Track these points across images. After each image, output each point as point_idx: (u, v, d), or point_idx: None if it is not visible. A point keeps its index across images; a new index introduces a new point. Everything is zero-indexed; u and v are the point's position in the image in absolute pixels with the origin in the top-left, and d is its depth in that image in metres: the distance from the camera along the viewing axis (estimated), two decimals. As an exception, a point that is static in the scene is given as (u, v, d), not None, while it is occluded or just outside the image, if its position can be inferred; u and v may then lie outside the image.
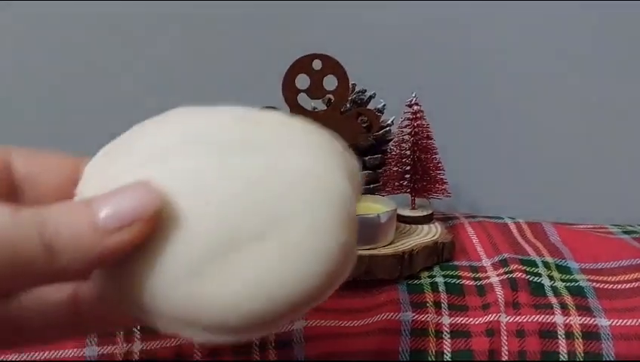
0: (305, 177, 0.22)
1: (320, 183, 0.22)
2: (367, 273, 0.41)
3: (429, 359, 0.38)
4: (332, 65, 0.45)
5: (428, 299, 0.41)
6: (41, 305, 0.24)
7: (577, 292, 0.41)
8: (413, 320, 0.39)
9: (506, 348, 0.38)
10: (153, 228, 0.20)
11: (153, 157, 0.22)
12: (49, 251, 0.19)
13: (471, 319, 0.40)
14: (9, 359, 0.36)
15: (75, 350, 0.37)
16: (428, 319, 0.39)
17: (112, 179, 0.21)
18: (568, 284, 0.42)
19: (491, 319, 0.39)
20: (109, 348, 0.37)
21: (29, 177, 0.25)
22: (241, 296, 0.21)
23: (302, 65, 0.45)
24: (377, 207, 0.45)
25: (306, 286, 0.21)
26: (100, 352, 0.37)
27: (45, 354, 0.37)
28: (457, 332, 0.39)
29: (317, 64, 0.45)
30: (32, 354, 0.37)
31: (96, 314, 0.24)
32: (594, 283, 0.42)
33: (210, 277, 0.20)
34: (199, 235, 0.20)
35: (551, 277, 0.43)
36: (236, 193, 0.21)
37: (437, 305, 0.40)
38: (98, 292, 0.23)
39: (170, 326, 0.22)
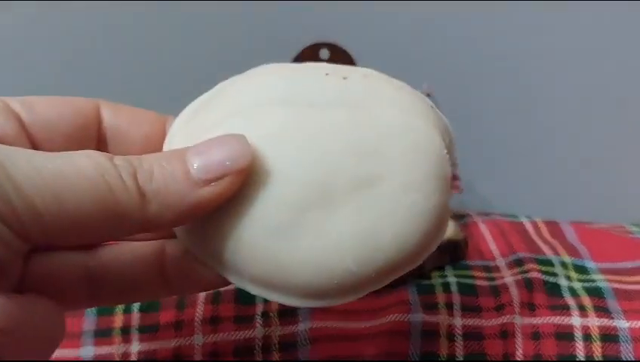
0: (401, 133, 0.21)
1: (417, 139, 0.21)
2: (375, 272, 0.39)
3: (441, 362, 0.37)
4: (340, 54, 0.44)
5: (439, 300, 0.39)
6: (123, 261, 0.23)
7: (595, 292, 0.40)
8: (423, 322, 0.38)
9: (520, 351, 0.37)
10: (244, 181, 0.20)
11: (242, 111, 0.21)
12: (141, 196, 0.19)
13: (484, 321, 0.38)
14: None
15: (71, 350, 0.36)
16: (439, 321, 0.38)
17: (201, 132, 0.21)
18: (586, 285, 0.40)
19: (505, 321, 0.38)
20: (106, 348, 0.36)
21: (116, 130, 0.25)
22: (332, 254, 0.20)
23: (309, 54, 0.44)
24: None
25: (402, 245, 0.20)
26: (96, 353, 0.36)
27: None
28: (470, 335, 0.37)
29: (324, 53, 0.44)
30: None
31: (182, 273, 0.23)
32: (612, 284, 0.40)
33: (297, 235, 0.20)
34: (288, 190, 0.20)
35: (568, 278, 0.41)
36: (329, 148, 0.20)
37: (449, 306, 0.39)
38: (182, 247, 0.22)
39: (253, 287, 0.21)
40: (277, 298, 0.21)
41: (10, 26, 0.58)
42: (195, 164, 0.19)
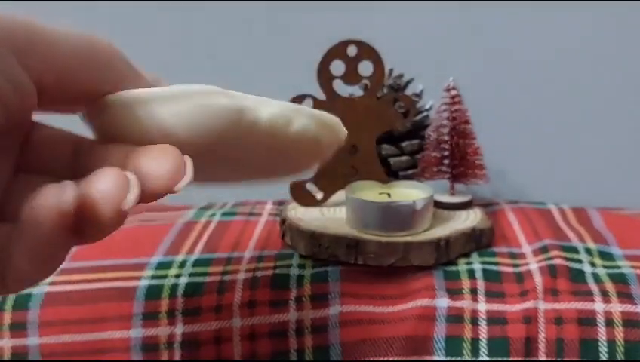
0: None
1: None
2: (402, 259, 0.41)
3: (465, 346, 0.38)
4: (367, 51, 0.45)
5: (464, 286, 0.40)
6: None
7: (619, 279, 0.40)
8: (448, 307, 0.39)
9: (543, 335, 0.38)
10: None
11: None
12: None
13: (508, 306, 0.39)
14: (60, 341, 0.39)
15: (122, 331, 0.39)
16: (464, 305, 0.39)
17: None
18: (610, 271, 0.41)
19: (529, 306, 0.39)
20: (153, 330, 0.39)
21: None
22: None
23: (337, 51, 0.45)
24: (414, 193, 0.45)
25: None
26: (145, 334, 0.39)
27: (95, 335, 0.39)
28: (493, 319, 0.39)
29: (352, 50, 0.45)
30: (81, 334, 0.39)
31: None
32: (638, 270, 0.41)
33: None
34: None
35: (592, 264, 0.42)
36: None
37: (473, 291, 0.40)
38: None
39: None
40: None
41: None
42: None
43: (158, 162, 0.22)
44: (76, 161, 0.25)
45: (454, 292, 0.40)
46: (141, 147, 0.24)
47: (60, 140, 0.26)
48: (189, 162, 0.23)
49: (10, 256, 0.21)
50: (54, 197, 0.20)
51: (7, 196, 0.23)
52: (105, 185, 0.21)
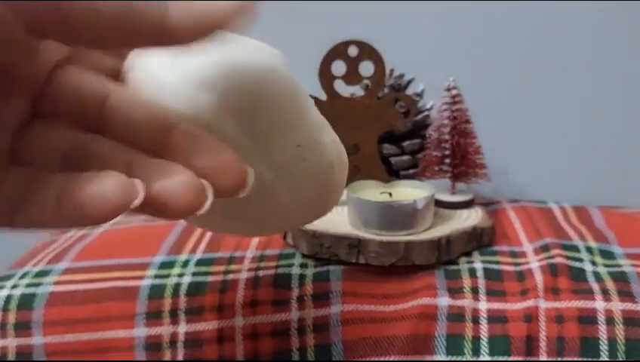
0: None
1: None
2: (403, 259, 0.41)
3: (466, 344, 0.38)
4: (368, 51, 0.45)
5: (465, 285, 0.41)
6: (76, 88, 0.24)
7: (620, 277, 0.40)
8: (449, 306, 0.39)
9: (544, 333, 0.38)
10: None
11: None
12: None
13: (509, 304, 0.39)
14: (64, 340, 0.39)
15: (126, 331, 0.39)
16: (465, 304, 0.39)
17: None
18: (611, 269, 0.41)
19: (530, 305, 0.39)
20: (157, 329, 0.39)
21: None
22: None
23: (338, 51, 0.45)
24: (415, 192, 0.45)
25: None
26: (148, 333, 0.39)
27: (99, 335, 0.39)
28: (495, 318, 0.39)
29: (353, 50, 0.45)
30: (85, 333, 0.39)
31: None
32: (638, 269, 0.41)
33: None
34: None
35: (593, 263, 0.42)
36: None
37: (474, 290, 0.40)
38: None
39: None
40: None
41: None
42: None
43: (228, 177, 0.22)
44: (101, 113, 0.24)
45: (455, 291, 0.40)
46: (191, 136, 0.22)
47: (87, 89, 0.24)
48: (250, 172, 0.22)
49: (27, 202, 0.20)
50: (125, 197, 0.19)
51: (22, 140, 0.22)
52: (185, 199, 0.20)
